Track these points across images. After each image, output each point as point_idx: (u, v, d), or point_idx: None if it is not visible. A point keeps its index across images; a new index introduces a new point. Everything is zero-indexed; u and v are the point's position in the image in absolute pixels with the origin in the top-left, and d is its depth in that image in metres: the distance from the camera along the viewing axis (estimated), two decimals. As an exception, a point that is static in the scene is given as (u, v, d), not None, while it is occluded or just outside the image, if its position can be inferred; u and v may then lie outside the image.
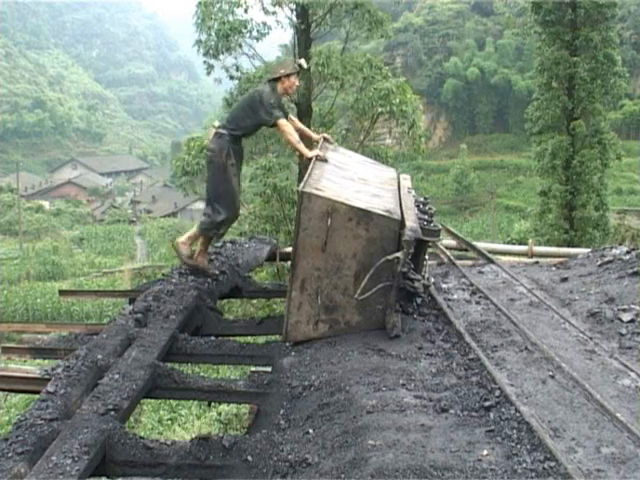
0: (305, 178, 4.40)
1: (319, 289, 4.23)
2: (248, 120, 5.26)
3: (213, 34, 15.52)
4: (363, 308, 4.25)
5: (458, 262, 6.16)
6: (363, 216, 4.19)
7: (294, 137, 5.15)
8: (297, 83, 5.34)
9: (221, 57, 15.96)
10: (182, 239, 5.60)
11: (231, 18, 15.57)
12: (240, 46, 15.94)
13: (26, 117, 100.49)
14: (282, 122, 5.14)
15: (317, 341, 4.23)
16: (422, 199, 5.15)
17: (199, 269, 5.53)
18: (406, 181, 5.41)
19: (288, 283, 4.37)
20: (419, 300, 4.60)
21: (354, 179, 4.87)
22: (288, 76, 5.23)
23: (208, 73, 16.61)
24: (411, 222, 4.12)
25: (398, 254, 4.08)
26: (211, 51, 15.71)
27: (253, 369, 4.98)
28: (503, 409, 3.04)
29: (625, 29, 48.21)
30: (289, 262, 4.77)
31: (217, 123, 5.42)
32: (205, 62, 16.29)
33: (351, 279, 4.22)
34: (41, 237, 47.50)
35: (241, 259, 6.48)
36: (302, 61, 5.34)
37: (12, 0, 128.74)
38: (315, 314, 4.26)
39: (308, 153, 5.06)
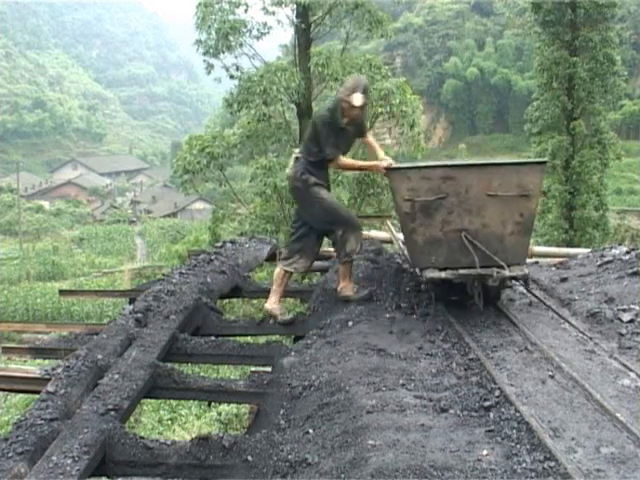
0: None
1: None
2: (315, 149, 4.74)
3: (213, 33, 15.53)
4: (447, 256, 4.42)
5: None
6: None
7: (353, 164, 5.00)
8: (354, 113, 4.60)
9: (221, 56, 15.97)
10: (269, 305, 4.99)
11: (231, 17, 15.59)
12: (241, 45, 15.95)
13: (26, 117, 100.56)
14: (336, 161, 4.74)
15: (317, 341, 4.23)
16: None
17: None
18: None
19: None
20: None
21: None
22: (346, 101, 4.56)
23: (208, 72, 16.61)
24: None
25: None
26: (211, 50, 15.71)
27: (253, 369, 4.99)
28: (503, 409, 3.04)
29: (625, 29, 48.14)
30: None
31: (297, 150, 5.02)
32: (205, 61, 16.30)
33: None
34: (41, 237, 47.51)
35: (241, 259, 6.49)
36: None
37: (12, 0, 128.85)
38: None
39: (377, 165, 4.72)
